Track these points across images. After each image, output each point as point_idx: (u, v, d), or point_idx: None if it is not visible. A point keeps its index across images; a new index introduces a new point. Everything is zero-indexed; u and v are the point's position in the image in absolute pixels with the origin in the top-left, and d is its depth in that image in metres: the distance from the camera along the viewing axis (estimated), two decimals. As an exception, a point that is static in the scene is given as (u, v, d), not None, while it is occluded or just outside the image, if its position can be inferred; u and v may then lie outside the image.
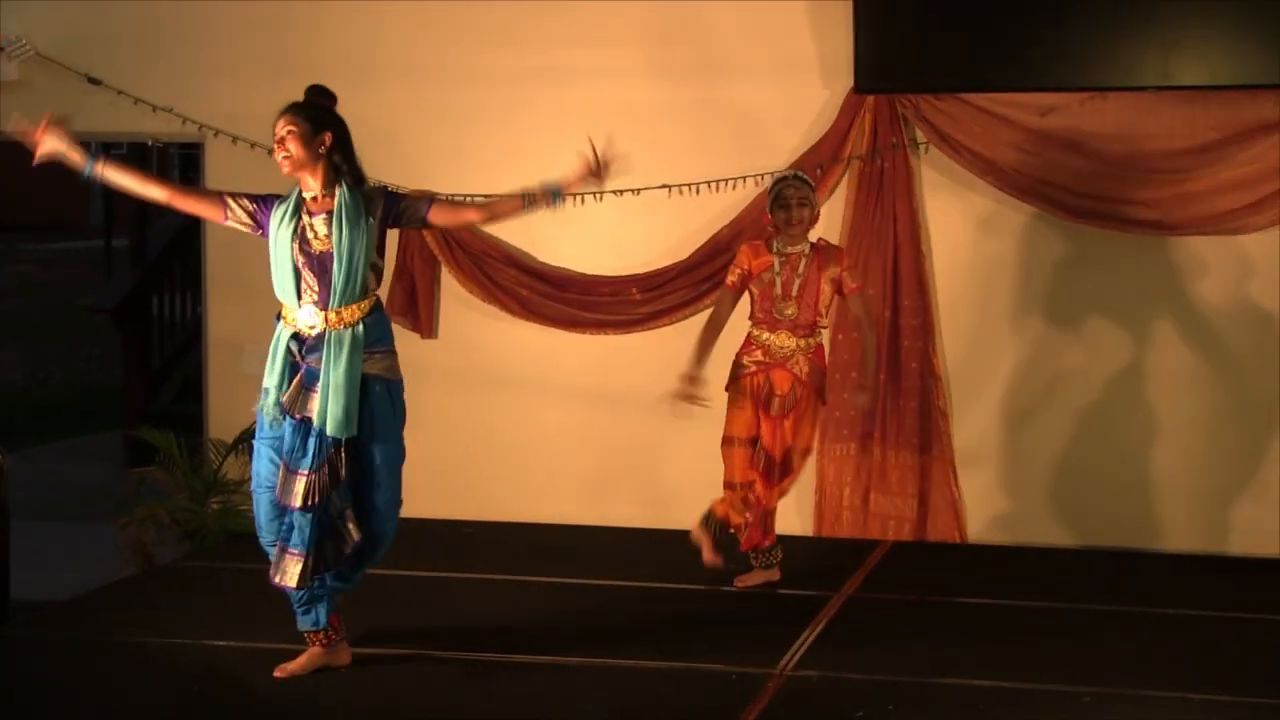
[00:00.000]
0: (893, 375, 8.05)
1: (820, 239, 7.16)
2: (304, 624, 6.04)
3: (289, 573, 5.84)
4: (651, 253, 8.36)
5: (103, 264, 17.12)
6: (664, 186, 8.27)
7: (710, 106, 8.29)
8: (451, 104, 8.47)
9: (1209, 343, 7.93)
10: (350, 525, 5.86)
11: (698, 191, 8.26)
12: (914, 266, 8.02)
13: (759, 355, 7.03)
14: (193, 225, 10.30)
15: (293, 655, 6.06)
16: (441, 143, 8.44)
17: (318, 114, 5.87)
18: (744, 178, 8.20)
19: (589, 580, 7.48)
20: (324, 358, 5.75)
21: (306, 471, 5.80)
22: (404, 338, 8.29)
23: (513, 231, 8.47)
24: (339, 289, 5.76)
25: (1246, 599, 7.19)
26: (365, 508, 5.89)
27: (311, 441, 5.80)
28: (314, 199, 5.84)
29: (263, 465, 5.90)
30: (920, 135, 8.07)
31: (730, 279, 7.13)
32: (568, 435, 8.54)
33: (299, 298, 5.80)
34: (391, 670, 6.05)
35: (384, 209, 5.86)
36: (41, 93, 8.76)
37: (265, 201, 5.91)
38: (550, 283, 8.45)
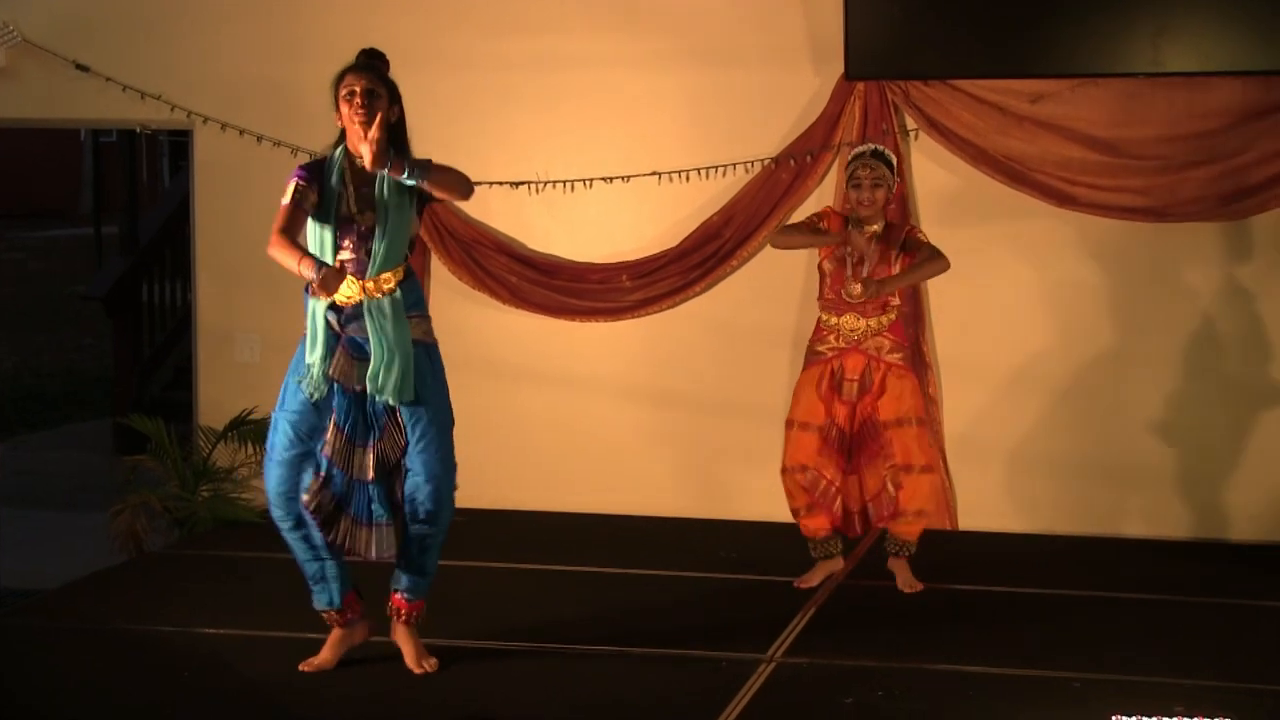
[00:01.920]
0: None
1: (894, 216, 7.05)
2: (319, 602, 5.96)
3: (385, 543, 5.81)
4: (642, 240, 8.35)
5: (94, 252, 17.14)
6: (654, 173, 8.27)
7: (700, 93, 8.28)
8: (442, 91, 8.45)
9: (1200, 330, 7.93)
10: (397, 489, 5.83)
11: (688, 178, 8.25)
12: (904, 253, 8.02)
13: (832, 340, 6.90)
14: (182, 213, 10.28)
15: (286, 643, 6.09)
16: (432, 130, 8.33)
17: (391, 84, 5.80)
18: (734, 164, 8.20)
19: (578, 567, 7.49)
20: (371, 327, 5.69)
21: (373, 444, 5.78)
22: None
23: (503, 219, 8.47)
24: (379, 259, 5.69)
25: (1237, 585, 7.20)
26: (417, 474, 5.80)
27: (370, 412, 5.77)
28: (364, 169, 5.72)
29: (279, 439, 5.81)
30: (910, 122, 8.07)
31: (811, 218, 6.97)
32: (557, 422, 8.54)
33: (334, 263, 5.71)
34: (379, 658, 6.04)
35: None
36: (30, 79, 8.76)
37: (311, 175, 5.76)
38: (540, 270, 8.45)
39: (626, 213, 8.37)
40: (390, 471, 5.84)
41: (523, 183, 8.38)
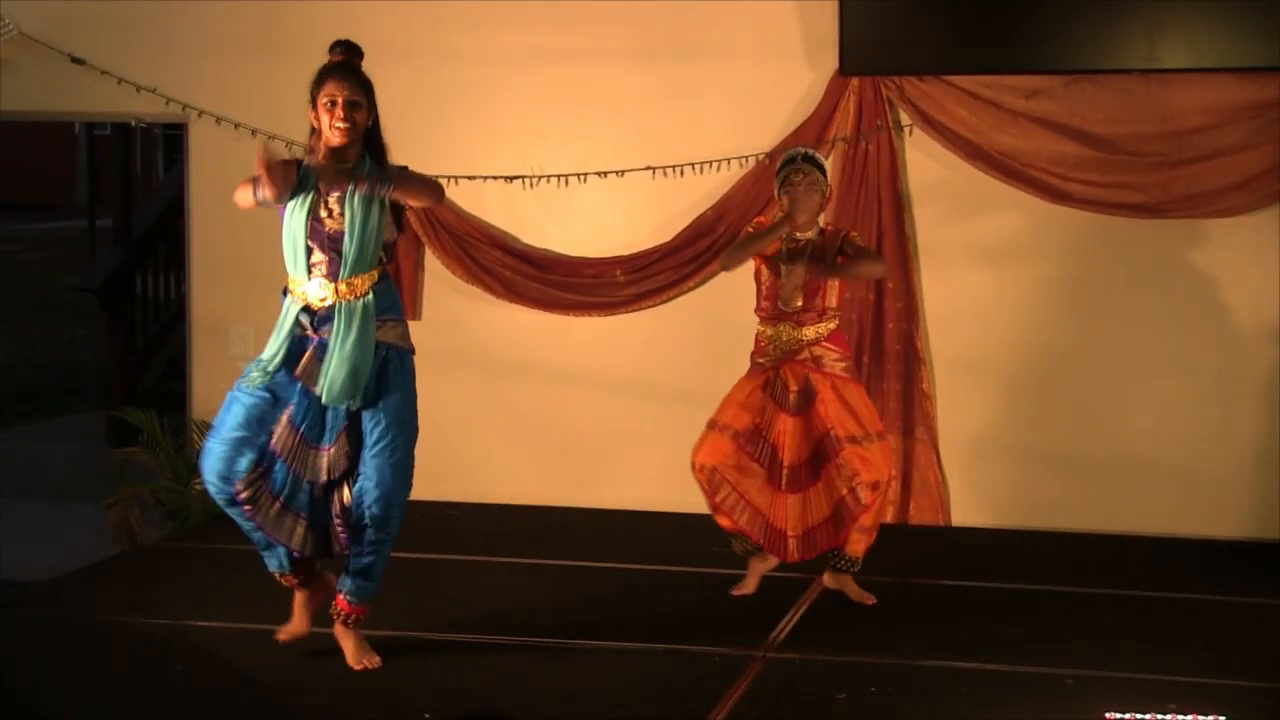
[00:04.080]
0: (876, 357, 8.06)
1: (828, 224, 6.83)
2: (270, 566, 6.00)
3: (296, 536, 5.83)
4: (635, 234, 8.36)
5: (87, 244, 17.12)
6: (648, 168, 8.27)
7: (695, 88, 8.28)
8: (435, 84, 8.46)
9: (1193, 326, 7.94)
10: (345, 492, 5.83)
11: (682, 173, 8.25)
12: (898, 249, 8.02)
13: (771, 352, 6.70)
14: (177, 206, 10.27)
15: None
16: (424, 123, 8.43)
17: (370, 87, 5.78)
18: (728, 160, 8.20)
19: (571, 562, 7.49)
20: (334, 329, 5.71)
21: (328, 446, 5.79)
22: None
23: (497, 213, 8.47)
24: (350, 262, 5.69)
25: (1231, 582, 7.20)
26: (368, 478, 5.80)
27: (329, 415, 5.78)
28: (338, 173, 5.73)
29: (229, 418, 5.79)
30: (905, 117, 8.07)
31: (751, 230, 6.74)
32: (550, 417, 8.54)
33: (308, 271, 5.74)
34: (375, 651, 6.04)
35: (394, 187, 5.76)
36: (25, 72, 8.76)
37: (291, 160, 5.81)
38: (534, 264, 8.45)
39: (620, 208, 8.38)
40: (341, 477, 5.84)
41: (516, 177, 8.38)
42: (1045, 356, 8.08)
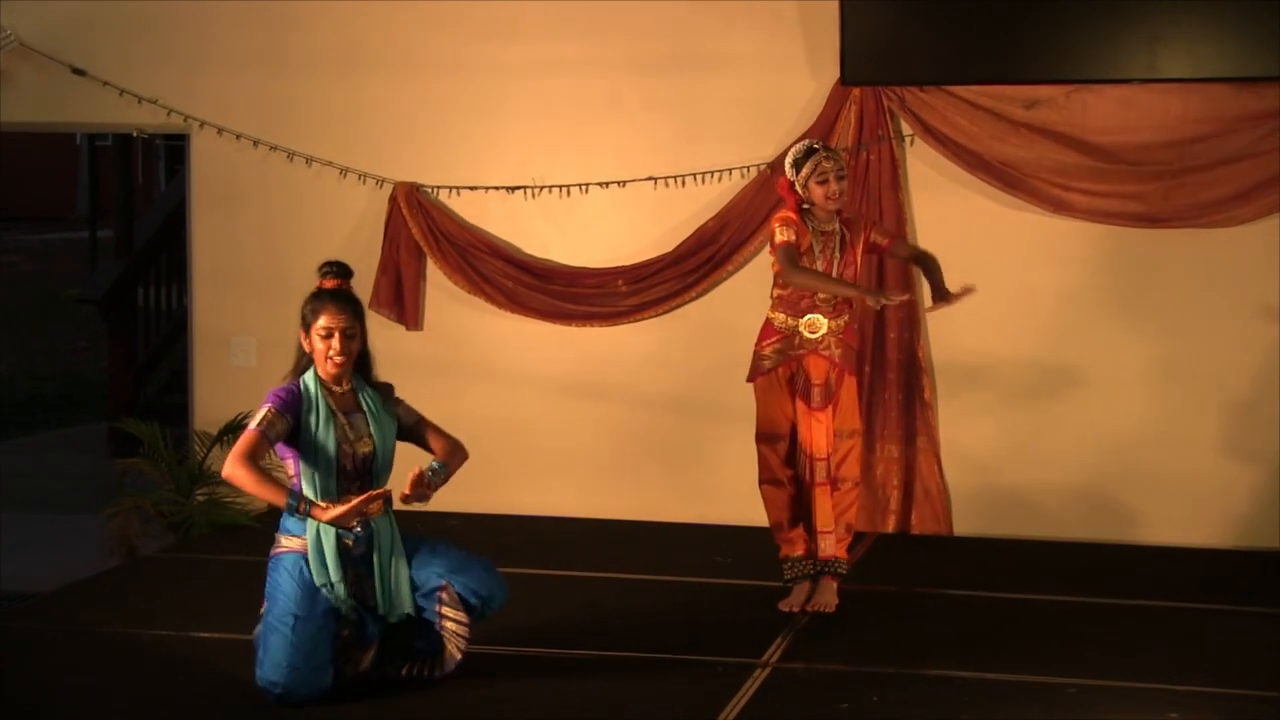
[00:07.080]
0: (878, 367, 8.06)
1: (840, 211, 6.71)
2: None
3: (365, 661, 5.85)
4: (637, 245, 8.36)
5: (89, 255, 17.12)
6: (650, 178, 8.27)
7: (696, 98, 8.28)
8: (438, 96, 8.46)
9: (1194, 335, 7.93)
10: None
11: (684, 183, 8.26)
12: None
13: (783, 346, 6.65)
14: (178, 216, 10.27)
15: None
16: (427, 134, 8.44)
17: (363, 311, 5.82)
18: (730, 170, 8.20)
19: (575, 572, 7.49)
20: (376, 546, 5.72)
21: (375, 643, 5.81)
22: (389, 330, 8.31)
23: (499, 223, 8.48)
24: (381, 480, 5.78)
25: (1233, 591, 7.18)
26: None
27: (368, 616, 5.78)
28: (340, 395, 5.76)
29: (281, 595, 5.66)
30: (906, 127, 8.07)
31: (786, 237, 6.54)
32: (553, 427, 8.54)
33: (339, 495, 5.69)
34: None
35: (394, 404, 5.89)
36: (26, 84, 8.77)
37: (285, 406, 5.71)
38: (536, 275, 8.45)
39: (622, 218, 8.38)
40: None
41: (519, 187, 8.39)
42: (1046, 366, 8.07)
